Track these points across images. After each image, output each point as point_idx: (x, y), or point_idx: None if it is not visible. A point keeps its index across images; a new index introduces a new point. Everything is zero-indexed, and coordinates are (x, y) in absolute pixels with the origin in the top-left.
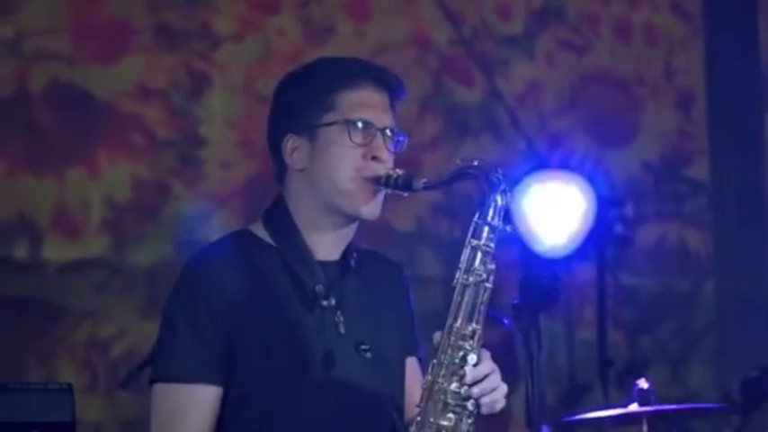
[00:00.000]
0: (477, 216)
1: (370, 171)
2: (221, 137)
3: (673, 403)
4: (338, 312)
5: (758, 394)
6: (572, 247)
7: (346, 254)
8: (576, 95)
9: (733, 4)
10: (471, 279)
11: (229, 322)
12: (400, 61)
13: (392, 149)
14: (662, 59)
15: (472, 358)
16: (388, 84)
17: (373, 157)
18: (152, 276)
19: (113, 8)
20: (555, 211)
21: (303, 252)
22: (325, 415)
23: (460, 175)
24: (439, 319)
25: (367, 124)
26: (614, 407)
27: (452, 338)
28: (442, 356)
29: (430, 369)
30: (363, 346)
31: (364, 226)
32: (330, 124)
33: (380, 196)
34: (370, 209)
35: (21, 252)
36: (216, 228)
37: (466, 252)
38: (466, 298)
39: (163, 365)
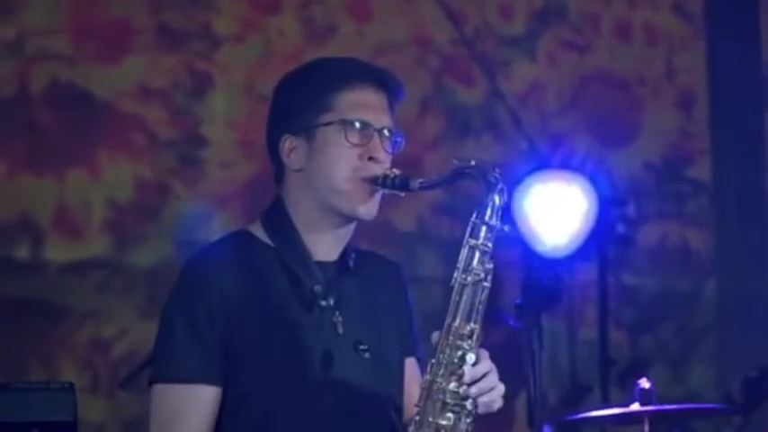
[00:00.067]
0: (474, 216)
1: (367, 171)
2: (222, 137)
3: (674, 403)
4: (336, 312)
5: (759, 394)
6: (573, 247)
7: (345, 254)
8: (578, 95)
9: (734, 4)
10: (469, 278)
11: (228, 323)
12: (401, 61)
13: (389, 150)
14: (663, 59)
15: (471, 358)
16: (387, 84)
17: (370, 158)
18: (153, 276)
19: (114, 8)
20: (556, 211)
21: (301, 252)
22: (323, 415)
23: (458, 174)
24: (440, 319)
25: (364, 125)
26: (616, 406)
27: (451, 338)
28: (441, 356)
29: (428, 368)
30: (362, 346)
31: (365, 226)
32: (327, 124)
33: (378, 196)
34: (368, 209)
35: (22, 252)
36: (217, 228)
37: (464, 252)
38: (464, 297)
39: (162, 366)
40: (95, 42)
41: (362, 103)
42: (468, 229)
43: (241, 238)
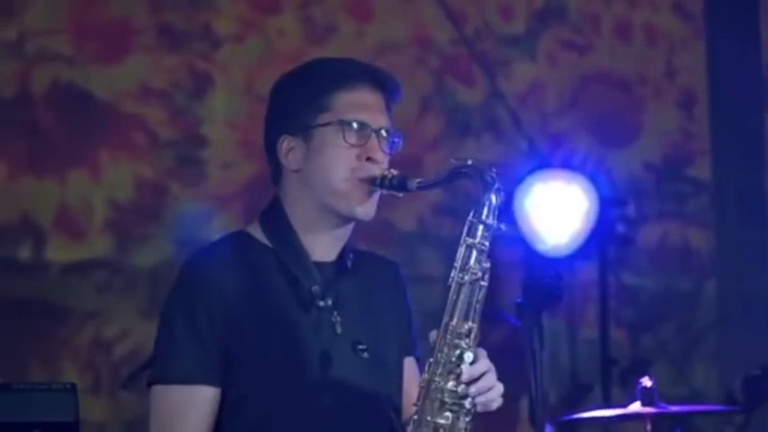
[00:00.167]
0: (471, 215)
1: (364, 172)
2: (223, 137)
3: (676, 402)
4: (335, 313)
5: (760, 393)
6: (574, 246)
7: (343, 254)
8: (578, 95)
9: (734, 3)
10: (467, 278)
11: (227, 323)
12: (401, 61)
13: (387, 150)
14: (663, 59)
15: (468, 357)
16: (384, 85)
17: (368, 158)
18: (155, 277)
19: (114, 8)
20: (557, 211)
21: (299, 253)
22: (322, 415)
23: (455, 174)
24: (440, 319)
25: (362, 125)
26: (617, 406)
27: (448, 337)
28: (439, 355)
29: (426, 368)
30: (360, 346)
31: (366, 226)
32: (325, 125)
33: (375, 197)
34: (366, 209)
35: (24, 253)
36: (218, 228)
37: (461, 251)
38: (461, 296)
39: (161, 367)
40: (96, 43)
41: (360, 104)
42: (466, 227)
43: (239, 239)
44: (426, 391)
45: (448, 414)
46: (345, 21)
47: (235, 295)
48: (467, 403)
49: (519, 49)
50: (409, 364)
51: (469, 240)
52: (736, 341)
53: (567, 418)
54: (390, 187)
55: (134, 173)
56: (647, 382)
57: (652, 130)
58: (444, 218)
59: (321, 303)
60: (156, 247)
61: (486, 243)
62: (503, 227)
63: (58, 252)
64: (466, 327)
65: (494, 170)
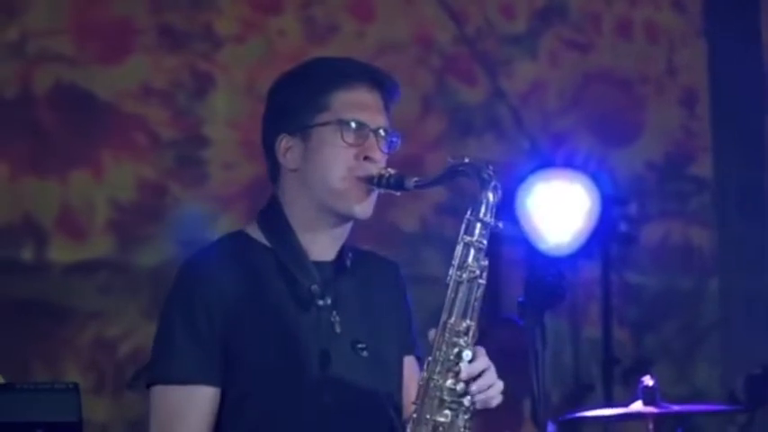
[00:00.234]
0: (469, 213)
1: (362, 171)
2: (224, 137)
3: (678, 401)
4: (334, 312)
5: (762, 392)
6: (576, 245)
7: (341, 254)
8: (580, 94)
9: (734, 1)
10: (465, 276)
11: (226, 323)
12: (403, 61)
13: (385, 150)
14: (664, 57)
15: (467, 355)
16: (382, 84)
17: (366, 158)
18: (157, 277)
19: (116, 9)
20: (559, 210)
21: (298, 252)
22: (322, 414)
23: (452, 172)
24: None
25: (360, 125)
26: (619, 405)
27: (447, 335)
28: (437, 353)
29: (425, 366)
30: (360, 345)
31: (369, 227)
32: (323, 124)
33: (373, 196)
34: (363, 208)
35: (26, 254)
36: (220, 228)
37: (459, 249)
38: (459, 295)
39: (161, 367)
40: (97, 43)
41: (358, 103)
42: (463, 225)
43: (238, 239)
44: (425, 389)
45: (447, 412)
46: (346, 21)
47: (233, 295)
48: (466, 401)
49: (520, 49)
50: (409, 362)
51: (467, 238)
52: (739, 340)
53: (569, 417)
54: (388, 186)
55: (136, 173)
56: (648, 381)
57: (653, 128)
58: (447, 218)
59: (320, 303)
60: (158, 247)
61: (484, 241)
62: (500, 225)
63: (61, 252)
64: (464, 325)
65: (491, 168)
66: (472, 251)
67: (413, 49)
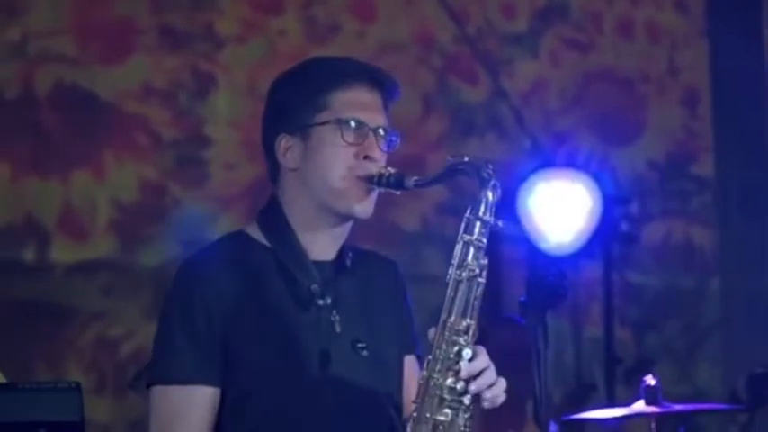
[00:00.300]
0: (468, 211)
1: (362, 170)
2: (225, 137)
3: (680, 401)
4: (334, 311)
5: (764, 391)
6: (578, 244)
7: (341, 253)
8: (581, 93)
9: (736, 1)
10: (464, 274)
11: (226, 323)
12: (404, 61)
13: (385, 149)
14: (665, 57)
15: (467, 353)
16: (382, 84)
17: (365, 157)
18: (159, 277)
19: (117, 8)
20: (561, 209)
21: (298, 252)
22: (323, 413)
23: (451, 171)
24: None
25: (359, 124)
26: (621, 405)
27: (446, 334)
28: (437, 352)
29: (425, 365)
30: (360, 345)
31: (370, 226)
32: (323, 124)
33: (373, 195)
34: (364, 207)
35: (28, 254)
36: (221, 228)
37: (458, 247)
38: (459, 293)
39: (161, 368)
40: (99, 42)
41: (357, 103)
42: (463, 224)
43: (238, 239)
44: (425, 388)
45: (447, 411)
46: (348, 21)
47: (233, 295)
48: (466, 400)
49: (522, 48)
50: (410, 362)
51: (467, 237)
52: (740, 340)
53: (571, 416)
54: (388, 185)
55: (138, 173)
56: (650, 380)
57: (655, 127)
58: (448, 217)
59: (320, 302)
60: (160, 247)
61: (484, 240)
62: (500, 223)
63: (63, 253)
64: (464, 323)
65: (490, 166)
66: (472, 250)
67: (414, 48)
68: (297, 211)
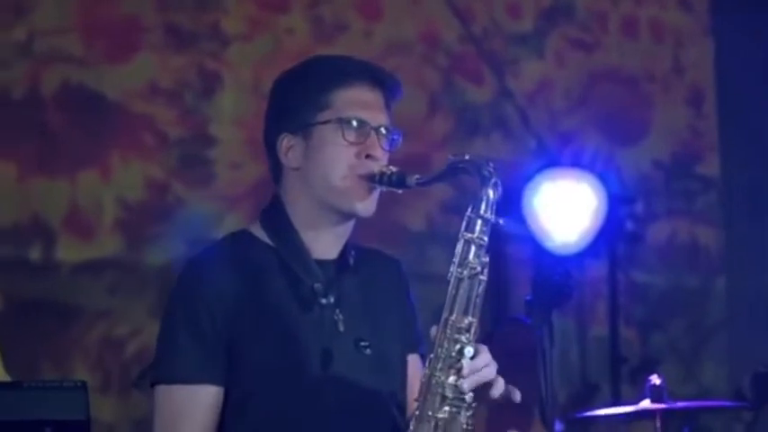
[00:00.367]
0: (469, 210)
1: (364, 169)
2: (231, 136)
3: (685, 399)
4: (337, 310)
5: None
6: (583, 244)
7: (344, 252)
8: (586, 93)
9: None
10: (466, 272)
11: (229, 322)
12: (410, 60)
13: (386, 148)
14: (670, 56)
15: (469, 351)
16: (384, 83)
17: (367, 156)
18: (164, 276)
19: (123, 7)
20: (566, 209)
21: (300, 251)
22: (326, 412)
23: (452, 169)
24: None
25: (361, 123)
26: (627, 403)
27: (448, 332)
28: (439, 350)
29: (427, 363)
30: (363, 344)
31: (375, 225)
32: (324, 123)
33: (375, 194)
34: (365, 206)
35: (34, 253)
36: (227, 228)
37: (459, 246)
38: (461, 291)
39: (164, 367)
40: (105, 41)
41: (359, 102)
42: (464, 223)
43: (241, 239)
44: (427, 386)
45: (449, 409)
46: (354, 19)
47: (236, 294)
48: (468, 398)
49: (527, 48)
50: (413, 360)
51: (468, 235)
52: (745, 338)
53: (577, 415)
54: (389, 184)
55: (144, 173)
56: (656, 379)
57: (660, 127)
58: (453, 216)
59: (323, 301)
60: (166, 246)
61: (485, 238)
62: (501, 221)
63: (69, 252)
64: (466, 321)
65: (491, 165)
66: (473, 248)
67: (419, 48)
68: (299, 210)
